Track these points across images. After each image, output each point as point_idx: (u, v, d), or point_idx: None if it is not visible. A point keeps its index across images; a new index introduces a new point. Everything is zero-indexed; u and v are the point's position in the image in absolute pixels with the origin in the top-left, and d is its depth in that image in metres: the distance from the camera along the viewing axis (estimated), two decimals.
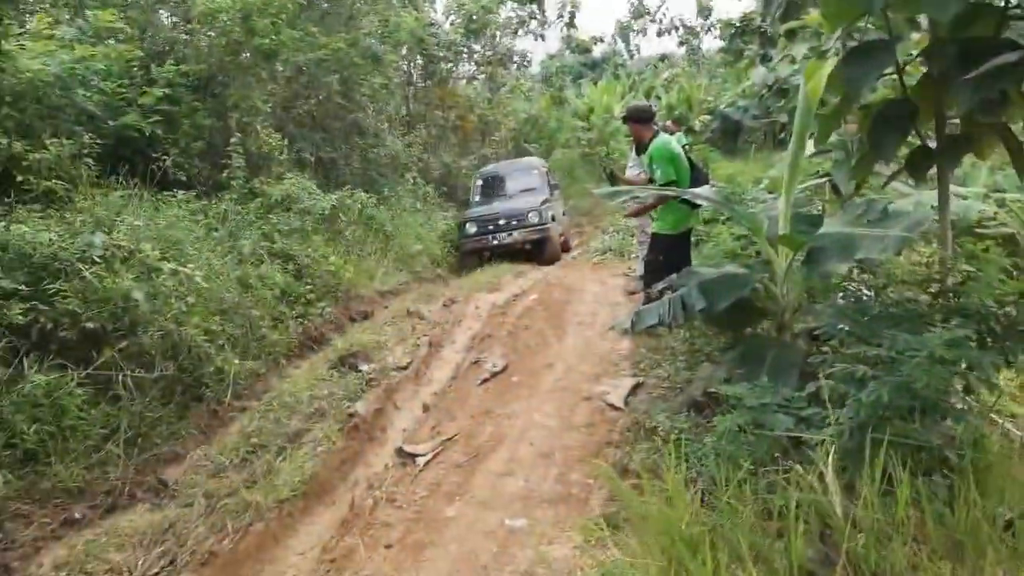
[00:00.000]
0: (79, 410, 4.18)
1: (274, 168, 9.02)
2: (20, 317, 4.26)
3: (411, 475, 4.09)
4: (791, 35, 10.37)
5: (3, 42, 6.02)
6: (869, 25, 3.44)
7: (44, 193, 5.89)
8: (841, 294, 3.76)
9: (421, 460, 4.25)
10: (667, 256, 5.19)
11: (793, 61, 13.65)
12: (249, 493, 3.94)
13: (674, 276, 4.10)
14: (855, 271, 3.84)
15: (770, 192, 6.48)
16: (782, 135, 16.64)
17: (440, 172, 14.67)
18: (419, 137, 14.00)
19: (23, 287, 4.42)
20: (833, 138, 4.72)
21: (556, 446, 4.07)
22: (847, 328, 2.98)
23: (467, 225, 11.44)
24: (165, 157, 7.64)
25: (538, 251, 11.30)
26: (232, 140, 8.34)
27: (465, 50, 17.18)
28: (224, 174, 8.17)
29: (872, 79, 3.13)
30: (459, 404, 5.32)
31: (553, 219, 11.44)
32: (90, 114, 7.09)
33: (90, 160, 6.44)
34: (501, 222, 11.26)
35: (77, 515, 3.76)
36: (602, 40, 33.29)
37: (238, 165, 8.17)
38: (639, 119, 5.65)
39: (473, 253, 11.45)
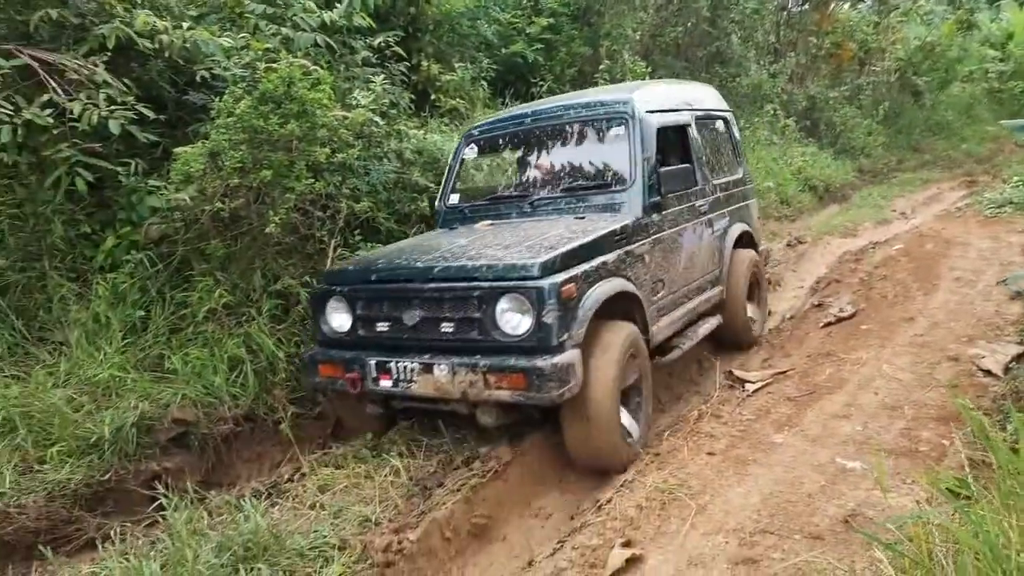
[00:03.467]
0: None
1: None
2: (429, 209, 5.25)
3: (739, 399, 4.14)
4: None
5: None
6: None
7: (449, 110, 7.00)
8: None
9: (750, 387, 4.27)
10: None
11: None
12: None
13: None
14: None
15: None
16: None
17: (804, 105, 13.55)
18: (786, 66, 13.02)
19: (433, 185, 5.40)
20: None
21: (906, 400, 3.73)
22: None
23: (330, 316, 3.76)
24: (542, 83, 8.43)
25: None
26: (600, 67, 8.81)
27: None
28: None
29: None
30: (795, 343, 5.13)
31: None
32: (488, 42, 8.11)
33: (484, 83, 7.44)
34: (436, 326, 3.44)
35: None
36: None
37: None
38: None
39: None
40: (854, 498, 2.89)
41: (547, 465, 3.66)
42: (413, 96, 6.43)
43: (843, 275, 6.72)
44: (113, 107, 4.11)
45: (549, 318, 3.11)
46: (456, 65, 7.19)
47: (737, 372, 4.56)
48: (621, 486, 3.29)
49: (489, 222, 4.23)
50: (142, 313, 4.18)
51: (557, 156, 4.41)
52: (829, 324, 5.30)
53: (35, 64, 4.14)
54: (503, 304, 3.20)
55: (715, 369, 4.66)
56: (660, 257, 4.05)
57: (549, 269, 3.22)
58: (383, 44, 5.95)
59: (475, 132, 4.79)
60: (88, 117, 3.99)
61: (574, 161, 4.34)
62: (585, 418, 3.31)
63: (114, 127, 4.06)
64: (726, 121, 5.46)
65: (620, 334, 3.49)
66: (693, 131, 4.72)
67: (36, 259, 4.22)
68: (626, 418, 3.55)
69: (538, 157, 4.51)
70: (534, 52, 8.40)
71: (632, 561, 2.70)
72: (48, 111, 3.98)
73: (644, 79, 9.27)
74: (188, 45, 4.54)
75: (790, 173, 10.91)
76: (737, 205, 5.27)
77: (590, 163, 4.29)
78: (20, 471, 3.27)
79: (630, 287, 3.65)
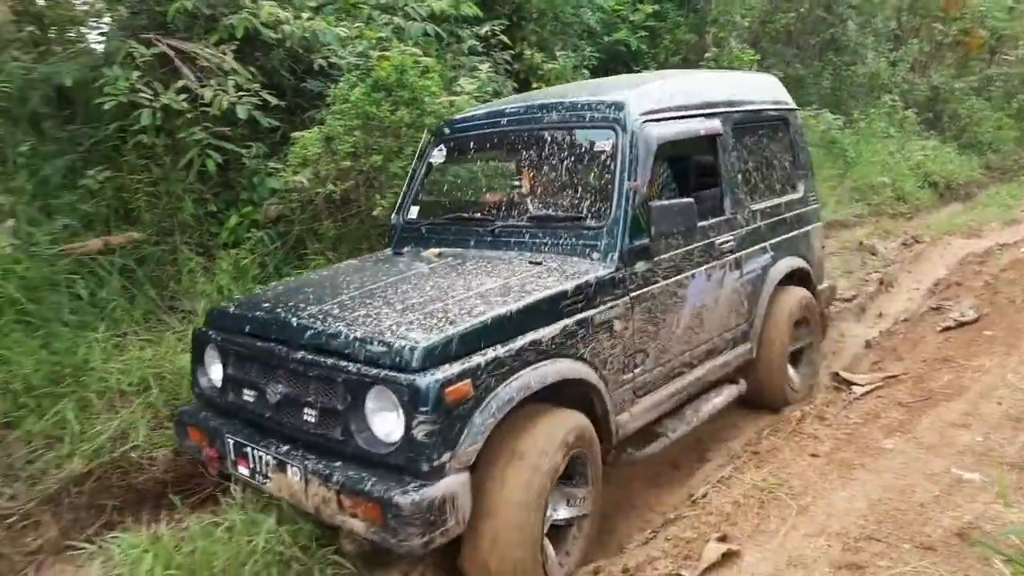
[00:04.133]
0: None
1: None
2: None
3: (845, 401, 3.97)
4: None
5: None
6: None
7: None
8: None
9: (858, 390, 4.08)
10: None
11: None
12: None
13: None
14: None
15: None
16: None
17: (926, 96, 12.72)
18: (907, 54, 12.24)
19: None
20: None
21: None
22: None
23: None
24: (645, 71, 8.30)
25: None
26: (706, 55, 8.58)
27: None
28: None
29: None
30: (909, 346, 4.86)
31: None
32: (591, 30, 8.05)
33: (586, 71, 7.40)
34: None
35: None
36: None
37: None
38: None
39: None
40: (971, 510, 2.73)
41: None
42: (516, 84, 6.49)
43: (965, 278, 6.30)
44: (240, 93, 4.39)
45: (421, 431, 2.17)
46: (558, 53, 7.19)
47: (844, 374, 4.37)
48: (717, 481, 3.24)
49: (438, 251, 3.29)
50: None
51: (532, 172, 3.43)
52: (948, 328, 4.99)
53: (171, 52, 4.47)
54: (371, 401, 2.31)
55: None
56: (644, 321, 3.01)
57: (434, 357, 2.26)
58: (488, 33, 6.04)
59: (446, 129, 3.74)
60: (218, 103, 4.28)
61: (550, 181, 3.32)
62: (484, 568, 2.40)
63: (241, 112, 4.33)
64: (786, 122, 4.23)
65: (552, 436, 2.51)
66: (727, 141, 3.61)
67: (168, 234, 4.57)
68: (556, 562, 2.60)
69: (511, 170, 3.61)
70: (638, 40, 8.28)
71: (728, 556, 2.66)
72: (183, 96, 4.29)
73: (751, 67, 8.96)
74: (307, 35, 4.78)
75: (908, 168, 10.29)
76: (789, 234, 4.07)
77: (567, 186, 3.26)
78: (152, 427, 3.57)
79: (581, 370, 2.69)
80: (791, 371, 4.16)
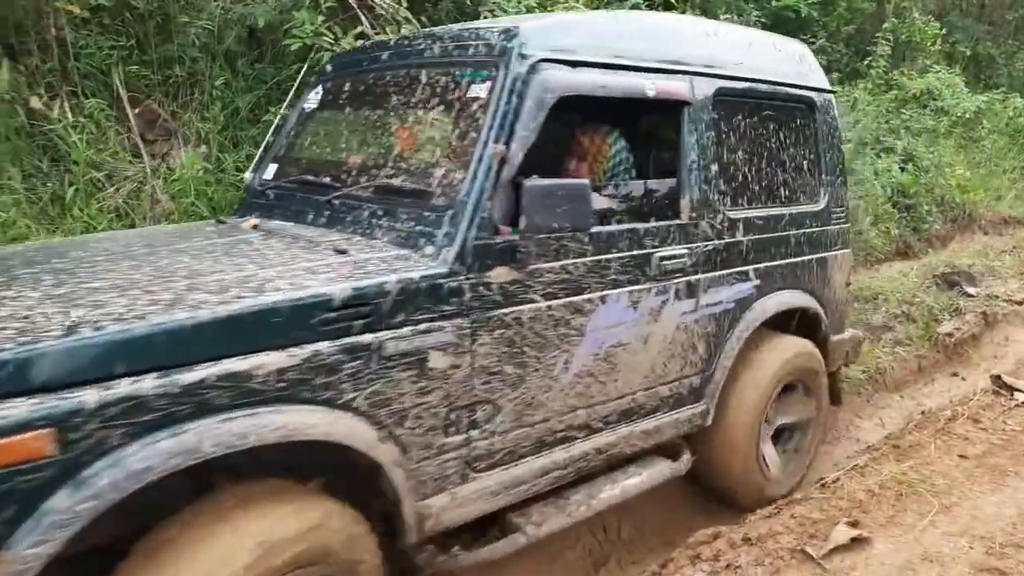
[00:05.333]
0: None
1: (920, 59, 8.33)
2: None
3: (1004, 406, 3.71)
4: None
5: None
6: None
7: None
8: None
9: (1021, 396, 3.80)
10: None
11: None
12: None
13: None
14: None
15: None
16: None
17: None
18: None
19: None
20: None
21: None
22: None
23: None
24: (813, 40, 7.83)
25: None
26: (884, 26, 7.96)
27: None
28: (864, 61, 7.96)
29: None
30: None
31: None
32: None
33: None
34: None
35: None
36: None
37: (882, 53, 7.82)
38: None
39: None
40: None
41: None
42: None
43: None
44: None
45: None
46: (721, 16, 6.92)
47: (1007, 379, 4.06)
48: (851, 468, 3.16)
49: (255, 222, 2.51)
50: None
51: (399, 125, 2.52)
52: None
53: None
54: None
55: None
56: (496, 358, 2.06)
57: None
58: None
59: (329, 67, 2.96)
60: None
61: (412, 139, 2.46)
62: None
63: None
64: (811, 107, 3.09)
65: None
66: (700, 115, 2.58)
67: None
68: None
69: (378, 122, 2.65)
70: (808, 6, 7.79)
71: (858, 541, 2.61)
72: (359, 42, 4.56)
73: (933, 42, 8.22)
74: None
75: None
76: (791, 259, 2.95)
77: (428, 147, 2.40)
78: None
79: (338, 426, 1.73)
80: (768, 451, 3.02)
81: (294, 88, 2.94)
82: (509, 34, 2.19)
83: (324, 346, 1.72)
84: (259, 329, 1.64)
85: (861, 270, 5.97)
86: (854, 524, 2.70)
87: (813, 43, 7.76)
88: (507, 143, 2.04)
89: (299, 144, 2.87)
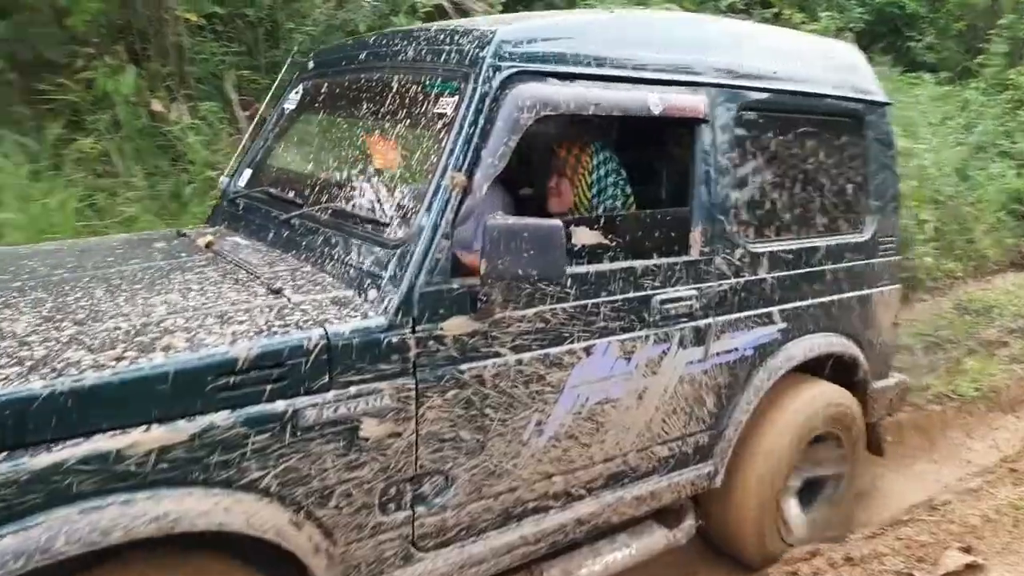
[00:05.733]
0: None
1: None
2: None
3: None
4: None
5: None
6: None
7: None
8: None
9: None
10: None
11: None
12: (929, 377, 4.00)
13: None
14: None
15: None
16: None
17: None
18: None
19: None
20: None
21: None
22: None
23: None
24: (919, 38, 7.45)
25: None
26: (999, 22, 7.48)
27: None
28: (977, 60, 7.50)
29: None
30: None
31: None
32: None
33: (851, 34, 6.81)
34: None
35: None
36: None
37: (997, 51, 7.35)
38: None
39: None
40: None
41: None
42: None
43: None
44: None
45: None
46: (821, 14, 6.68)
47: None
48: (964, 492, 2.99)
49: (209, 239, 2.20)
50: None
51: (368, 136, 2.17)
52: None
53: (448, 4, 4.85)
54: None
55: None
56: (448, 423, 1.75)
57: None
58: None
59: (310, 63, 2.66)
60: None
61: (381, 155, 2.08)
62: None
63: None
64: (860, 121, 2.67)
65: None
66: (719, 134, 2.20)
67: None
68: None
69: (346, 132, 2.35)
70: (915, 1, 7.43)
71: (971, 568, 2.47)
72: None
73: None
74: None
75: None
76: (827, 297, 2.56)
77: (392, 168, 1.99)
78: None
79: (237, 514, 1.45)
80: (790, 510, 2.65)
81: (274, 85, 2.80)
82: (483, 40, 1.83)
83: (222, 417, 1.42)
84: (137, 399, 1.35)
85: (971, 281, 5.65)
86: (967, 550, 2.55)
87: (919, 41, 7.40)
88: (470, 172, 1.71)
89: (275, 149, 2.60)
